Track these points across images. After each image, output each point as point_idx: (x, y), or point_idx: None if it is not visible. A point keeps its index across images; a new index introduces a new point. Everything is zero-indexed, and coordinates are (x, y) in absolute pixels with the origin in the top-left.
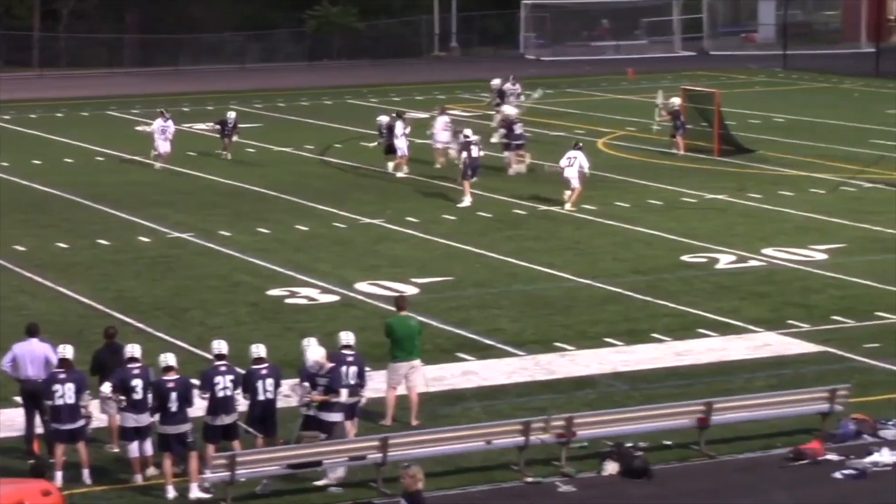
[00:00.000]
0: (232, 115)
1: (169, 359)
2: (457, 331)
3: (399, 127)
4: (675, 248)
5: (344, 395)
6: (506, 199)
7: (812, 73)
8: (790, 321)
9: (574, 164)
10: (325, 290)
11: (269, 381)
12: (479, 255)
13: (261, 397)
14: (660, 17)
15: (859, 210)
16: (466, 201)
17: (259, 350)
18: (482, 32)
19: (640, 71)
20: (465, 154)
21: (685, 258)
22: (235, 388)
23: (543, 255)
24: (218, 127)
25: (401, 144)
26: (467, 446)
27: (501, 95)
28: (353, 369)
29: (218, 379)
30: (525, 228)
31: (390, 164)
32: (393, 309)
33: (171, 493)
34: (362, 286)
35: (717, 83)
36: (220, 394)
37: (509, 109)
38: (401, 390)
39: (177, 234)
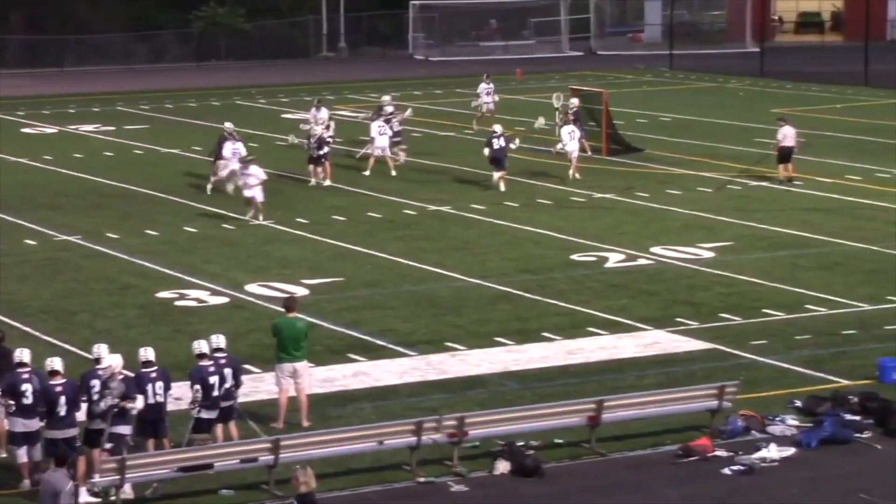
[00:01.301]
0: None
1: (55, 363)
2: (348, 332)
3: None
4: (564, 247)
5: (140, 402)
6: (396, 199)
7: (698, 73)
8: (679, 319)
9: (575, 137)
10: (214, 292)
11: (159, 385)
12: (370, 256)
13: (151, 401)
14: (547, 17)
15: (745, 208)
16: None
17: (148, 353)
18: (370, 33)
19: (529, 71)
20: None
21: (574, 257)
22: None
23: (433, 256)
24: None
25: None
26: (359, 447)
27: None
28: (227, 371)
29: (149, 386)
30: (415, 229)
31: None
32: (282, 310)
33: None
34: (252, 288)
35: (605, 83)
36: (152, 399)
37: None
38: (293, 392)
39: (64, 237)
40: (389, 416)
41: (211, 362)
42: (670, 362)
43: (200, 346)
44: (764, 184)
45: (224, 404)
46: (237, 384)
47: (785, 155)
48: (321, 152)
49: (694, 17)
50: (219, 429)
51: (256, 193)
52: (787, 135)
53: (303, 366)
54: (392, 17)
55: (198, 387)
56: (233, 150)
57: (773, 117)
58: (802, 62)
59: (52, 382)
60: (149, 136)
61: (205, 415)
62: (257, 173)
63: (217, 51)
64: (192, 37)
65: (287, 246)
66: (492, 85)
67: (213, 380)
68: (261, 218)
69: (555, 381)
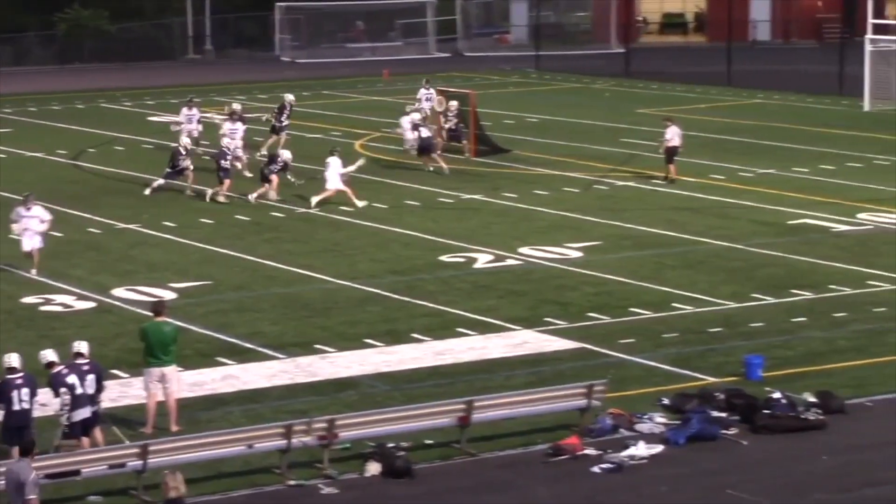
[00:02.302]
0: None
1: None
2: (216, 335)
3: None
4: (432, 248)
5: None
6: (263, 201)
7: (564, 74)
8: (547, 319)
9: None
10: (80, 297)
11: (25, 391)
12: (238, 259)
13: (16, 407)
14: (414, 18)
15: (612, 208)
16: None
17: (12, 360)
18: (237, 35)
19: (396, 72)
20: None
21: (443, 258)
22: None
23: (302, 258)
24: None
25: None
26: (229, 451)
27: (281, 110)
28: (91, 377)
29: (14, 392)
30: (283, 231)
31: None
32: (149, 313)
33: None
34: (119, 292)
35: (472, 84)
36: (17, 406)
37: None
38: (161, 396)
39: None
40: (259, 419)
41: (63, 366)
42: (539, 362)
43: (47, 355)
44: (630, 184)
45: (89, 410)
46: (100, 389)
47: (671, 154)
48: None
49: (559, 19)
50: (91, 435)
51: (36, 243)
52: (674, 134)
53: (171, 370)
54: (258, 18)
55: (64, 389)
56: (230, 129)
57: (638, 118)
58: (667, 63)
59: None
60: (12, 139)
61: (76, 418)
62: (41, 215)
63: (81, 53)
64: (56, 39)
65: (154, 249)
66: (432, 90)
67: (72, 380)
68: (34, 272)
69: (425, 382)
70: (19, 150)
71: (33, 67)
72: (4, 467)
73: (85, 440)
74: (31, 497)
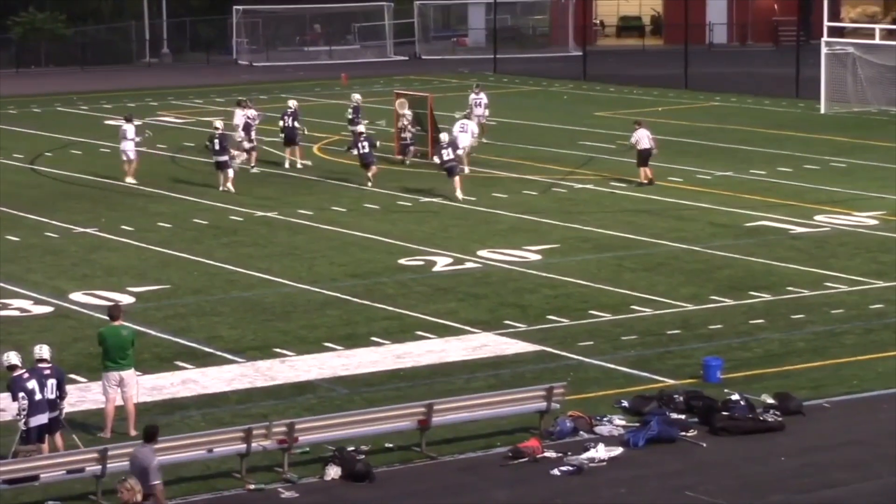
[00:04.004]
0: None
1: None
2: (175, 339)
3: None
4: (391, 251)
5: None
6: (221, 205)
7: (522, 77)
8: (507, 321)
9: (467, 130)
10: (38, 301)
11: (51, 382)
12: (196, 263)
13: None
14: (372, 21)
15: (570, 210)
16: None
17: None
18: (194, 38)
19: (354, 76)
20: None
21: (402, 261)
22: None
23: (261, 261)
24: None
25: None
26: (188, 455)
27: (357, 112)
28: (52, 382)
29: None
30: (242, 235)
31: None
32: (107, 318)
33: None
34: (77, 296)
35: (430, 87)
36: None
37: (360, 128)
38: (120, 401)
39: None
40: (218, 423)
41: (24, 370)
42: (499, 364)
43: (10, 358)
44: (589, 186)
45: (49, 415)
46: (62, 395)
47: (644, 157)
48: (222, 159)
49: (517, 22)
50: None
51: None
52: (642, 137)
53: (129, 374)
54: (216, 22)
55: (23, 394)
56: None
57: (596, 120)
58: (624, 66)
59: None
60: None
61: (33, 423)
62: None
63: (37, 57)
64: (11, 42)
65: (112, 254)
66: (482, 94)
67: (32, 385)
68: None
69: (384, 386)
70: None
71: None
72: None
73: (43, 446)
74: (156, 483)
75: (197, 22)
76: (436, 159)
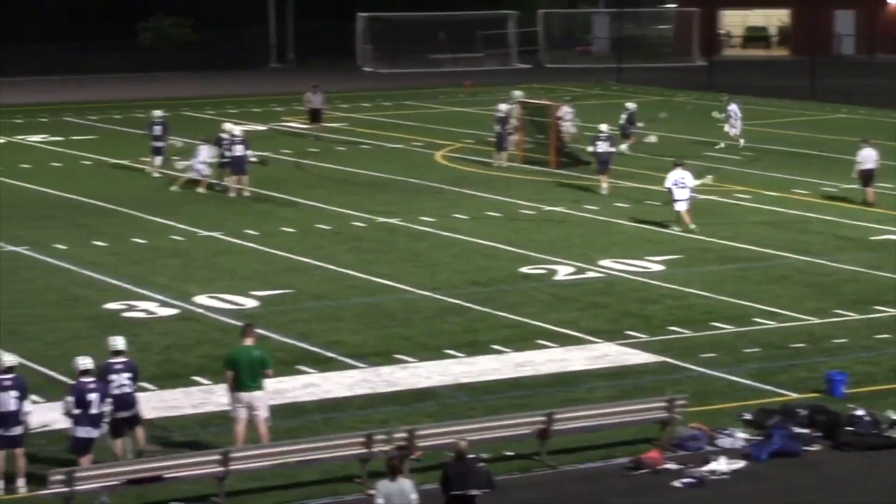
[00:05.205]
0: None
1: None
2: (297, 343)
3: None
4: (513, 259)
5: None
6: (345, 211)
7: (646, 86)
8: (628, 332)
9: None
10: (163, 304)
11: (126, 375)
12: (319, 268)
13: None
14: (496, 30)
15: (693, 221)
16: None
17: (86, 363)
18: (319, 44)
19: (478, 83)
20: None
21: (524, 270)
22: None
23: (383, 267)
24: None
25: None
26: (309, 459)
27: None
28: (126, 376)
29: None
30: (364, 240)
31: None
32: (231, 321)
33: None
34: (201, 299)
35: (554, 96)
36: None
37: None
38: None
39: (11, 248)
40: (339, 428)
41: (91, 379)
42: (620, 375)
43: (86, 363)
44: (712, 197)
45: (126, 413)
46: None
47: (865, 178)
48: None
49: (641, 31)
50: (118, 443)
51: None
52: (868, 158)
53: (259, 395)
54: (341, 28)
55: (70, 399)
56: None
57: (721, 130)
58: (750, 76)
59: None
60: (96, 146)
61: (80, 433)
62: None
63: (164, 62)
64: (139, 47)
65: (236, 257)
66: (571, 109)
67: (92, 396)
68: None
69: (505, 394)
70: (103, 156)
71: (117, 75)
72: (386, 488)
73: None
74: None
75: (323, 28)
76: (589, 149)
